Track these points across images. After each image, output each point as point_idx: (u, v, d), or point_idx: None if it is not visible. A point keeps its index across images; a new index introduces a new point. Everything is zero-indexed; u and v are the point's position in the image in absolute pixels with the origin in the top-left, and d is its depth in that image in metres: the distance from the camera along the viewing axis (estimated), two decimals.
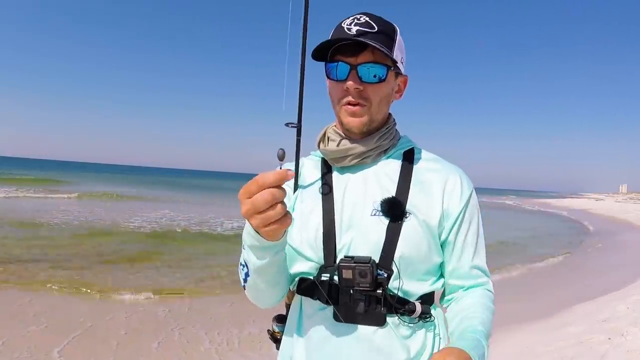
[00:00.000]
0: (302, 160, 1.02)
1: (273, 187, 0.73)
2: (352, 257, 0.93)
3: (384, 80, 0.99)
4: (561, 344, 4.56)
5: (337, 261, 0.96)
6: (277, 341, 1.20)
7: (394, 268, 0.95)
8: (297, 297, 1.07)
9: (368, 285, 0.91)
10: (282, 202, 0.74)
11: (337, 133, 1.07)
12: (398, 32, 1.01)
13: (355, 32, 0.95)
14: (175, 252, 9.73)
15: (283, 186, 0.75)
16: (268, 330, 1.23)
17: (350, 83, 0.97)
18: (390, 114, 1.09)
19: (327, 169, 1.08)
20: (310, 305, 1.02)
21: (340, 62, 0.98)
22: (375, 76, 0.97)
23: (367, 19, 0.97)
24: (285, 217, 0.76)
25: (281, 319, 1.20)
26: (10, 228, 11.37)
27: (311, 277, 1.00)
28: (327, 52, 1.00)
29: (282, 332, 1.19)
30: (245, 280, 0.99)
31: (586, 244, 13.86)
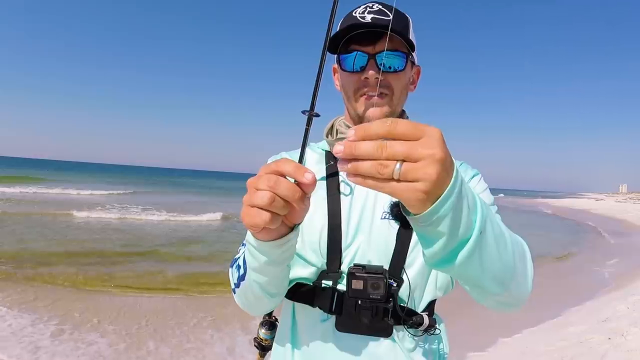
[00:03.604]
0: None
1: (289, 177, 0.61)
2: (364, 267, 0.86)
3: (404, 68, 0.94)
4: (562, 343, 4.57)
5: (345, 269, 0.90)
6: (263, 349, 1.15)
7: (404, 277, 0.90)
8: (288, 303, 0.99)
9: (380, 297, 0.84)
10: (279, 201, 0.60)
11: (348, 126, 1.01)
12: (411, 21, 0.96)
13: (370, 20, 0.89)
14: None
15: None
16: (255, 339, 1.17)
17: (370, 72, 0.90)
18: (403, 110, 1.04)
19: (332, 165, 1.00)
20: (307, 313, 0.94)
21: (357, 52, 0.92)
22: (395, 64, 0.92)
23: (380, 6, 0.92)
24: (264, 213, 0.61)
25: (270, 326, 1.14)
26: None
27: (310, 283, 0.94)
28: (338, 44, 0.94)
29: (270, 339, 1.14)
30: (237, 285, 0.88)
31: (586, 244, 13.84)
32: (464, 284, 0.72)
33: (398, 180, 0.50)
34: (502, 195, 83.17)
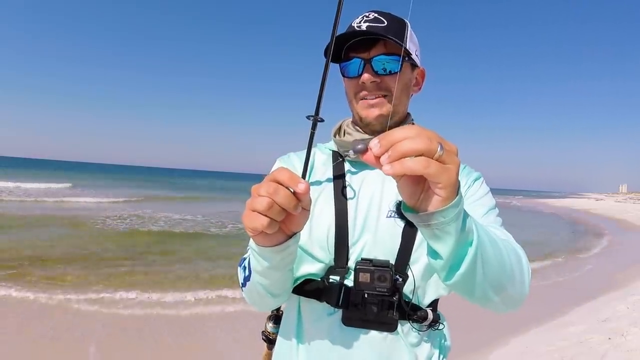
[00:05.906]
0: (312, 149, 0.98)
1: (286, 185, 0.65)
2: (371, 260, 0.90)
3: (399, 71, 0.97)
4: (562, 343, 4.59)
5: (353, 263, 0.93)
6: (271, 342, 1.17)
7: (409, 273, 0.92)
8: (293, 297, 1.01)
9: (386, 290, 0.87)
10: (277, 207, 0.64)
11: (355, 128, 1.05)
12: (409, 25, 1.00)
13: (365, 29, 0.95)
14: None
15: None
16: (263, 332, 1.20)
17: (365, 76, 0.96)
18: (409, 113, 1.07)
19: (339, 164, 1.04)
20: (314, 307, 0.97)
21: (354, 59, 0.98)
22: (390, 67, 0.96)
23: (375, 15, 0.98)
24: (263, 218, 0.65)
25: (277, 320, 1.17)
26: None
27: (318, 279, 0.97)
28: (336, 54, 0.99)
29: (277, 333, 1.15)
30: (243, 284, 0.94)
31: (586, 244, 13.84)
32: (465, 294, 0.74)
33: (437, 160, 0.54)
34: (520, 196, 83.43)
